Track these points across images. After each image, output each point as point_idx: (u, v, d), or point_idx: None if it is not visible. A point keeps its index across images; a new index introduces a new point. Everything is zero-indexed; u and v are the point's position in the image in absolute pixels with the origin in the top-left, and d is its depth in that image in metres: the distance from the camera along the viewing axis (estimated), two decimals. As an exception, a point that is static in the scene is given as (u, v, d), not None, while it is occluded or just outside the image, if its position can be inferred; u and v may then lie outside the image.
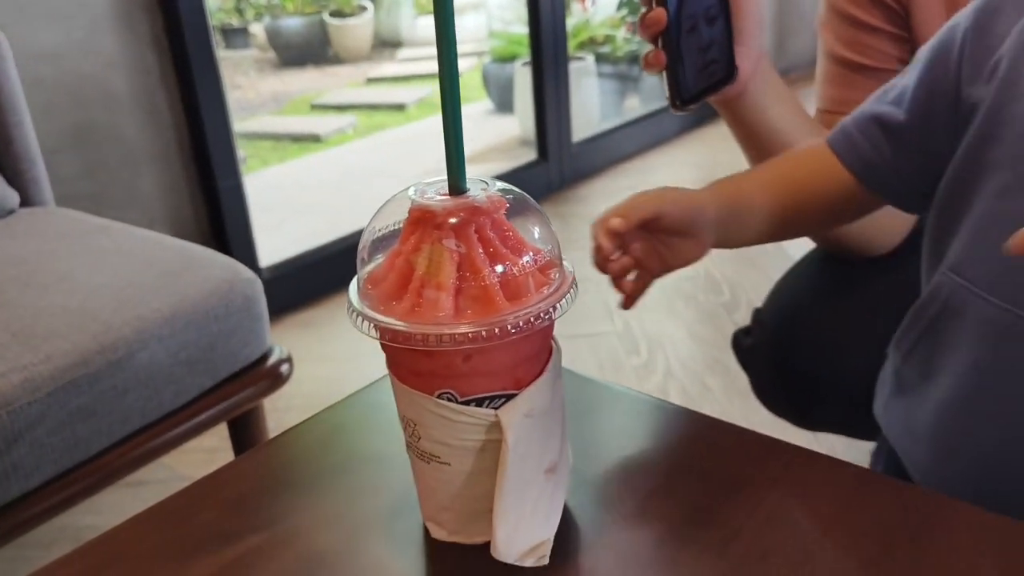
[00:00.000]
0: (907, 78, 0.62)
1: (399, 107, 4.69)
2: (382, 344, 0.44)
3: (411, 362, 0.44)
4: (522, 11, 2.56)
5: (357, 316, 0.43)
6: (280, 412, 1.53)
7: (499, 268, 0.42)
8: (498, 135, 3.83)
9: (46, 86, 1.55)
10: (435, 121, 4.44)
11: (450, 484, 0.46)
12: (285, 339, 1.83)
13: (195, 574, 0.47)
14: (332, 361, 1.78)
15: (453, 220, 0.43)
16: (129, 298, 0.95)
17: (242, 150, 4.12)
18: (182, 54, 1.69)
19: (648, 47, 0.70)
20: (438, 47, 0.43)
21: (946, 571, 0.44)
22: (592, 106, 3.23)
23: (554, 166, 2.60)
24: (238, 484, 0.54)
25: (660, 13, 0.68)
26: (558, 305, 0.43)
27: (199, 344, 0.99)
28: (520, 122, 3.53)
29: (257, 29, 6.16)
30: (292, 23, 5.87)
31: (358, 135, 4.33)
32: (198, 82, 1.71)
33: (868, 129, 0.63)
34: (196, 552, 0.48)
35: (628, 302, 0.61)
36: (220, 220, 1.82)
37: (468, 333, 0.41)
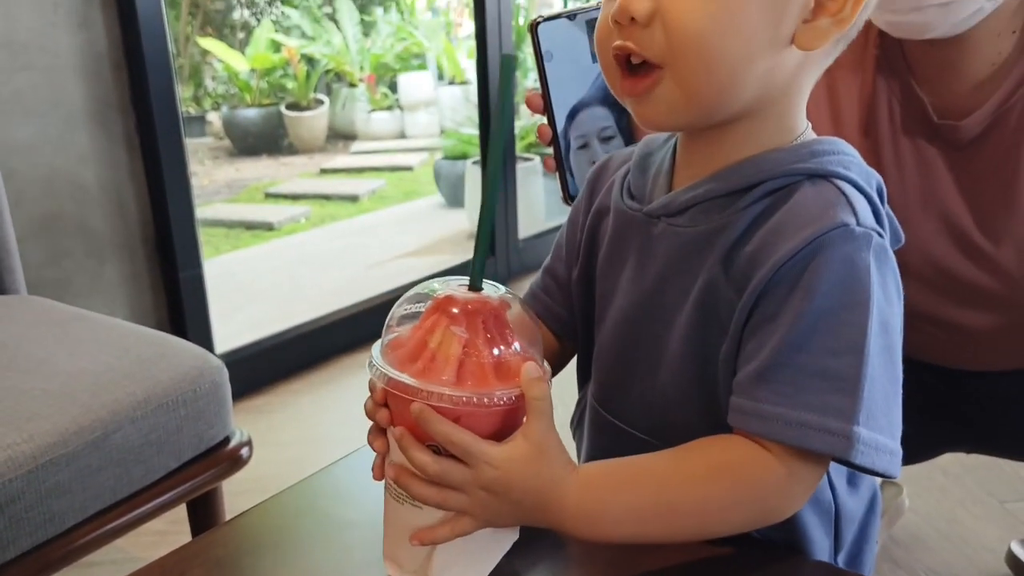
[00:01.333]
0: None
1: (352, 198, 4.83)
2: (388, 396, 0.54)
3: (410, 414, 0.53)
4: (473, 112, 2.73)
5: (377, 370, 0.54)
6: (235, 495, 1.58)
7: (495, 351, 0.54)
8: (448, 228, 3.98)
9: (18, 177, 1.63)
10: (386, 213, 4.59)
11: (416, 526, 0.55)
12: (239, 424, 1.88)
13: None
14: (284, 446, 1.84)
15: (466, 310, 0.54)
16: (107, 382, 1.02)
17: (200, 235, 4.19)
18: (152, 149, 1.79)
19: None
20: (483, 194, 0.57)
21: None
22: (538, 204, 3.40)
23: (501, 260, 2.73)
24: (225, 545, 0.63)
25: (545, 129, 0.82)
26: None
27: (167, 427, 1.06)
28: (469, 217, 3.68)
29: (214, 118, 6.30)
30: (249, 113, 6.03)
31: (311, 224, 4.44)
32: (166, 176, 1.80)
33: (545, 283, 0.75)
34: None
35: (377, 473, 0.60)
36: (180, 308, 1.89)
37: (463, 397, 0.52)
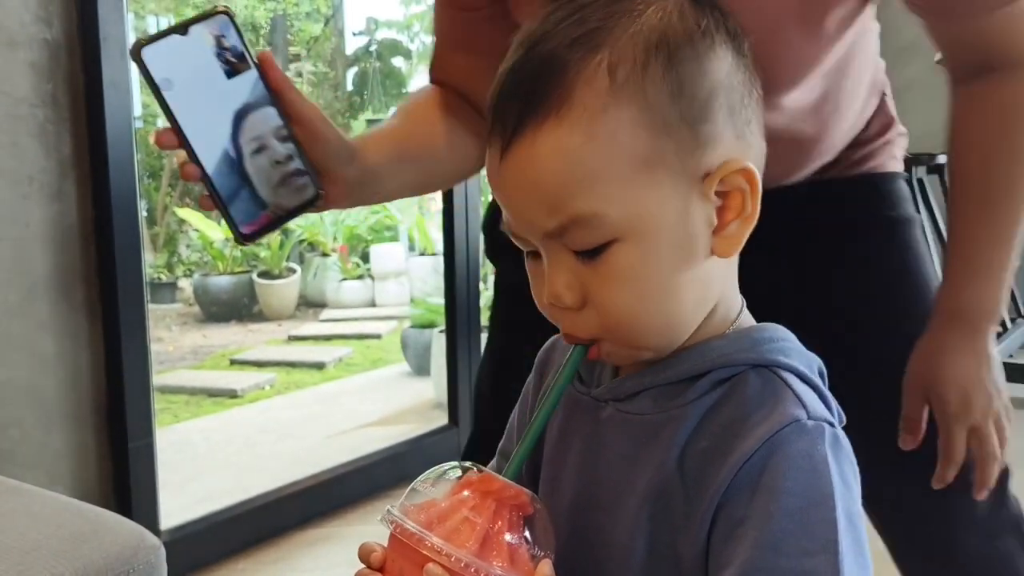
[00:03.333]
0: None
1: (318, 366, 4.81)
2: (398, 557, 0.54)
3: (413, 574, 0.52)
4: (441, 282, 2.78)
5: (398, 525, 0.54)
6: None
7: (515, 540, 0.54)
8: (413, 398, 3.95)
9: (-28, 346, 1.62)
10: (351, 381, 4.56)
11: None
12: (179, 606, 1.77)
13: None
14: (226, 630, 1.73)
15: (502, 494, 0.55)
16: (32, 562, 0.97)
17: (155, 405, 4.11)
18: (113, 318, 1.78)
19: None
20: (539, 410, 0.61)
21: None
22: (504, 373, 3.40)
23: (464, 431, 2.70)
24: None
25: (191, 169, 0.69)
26: None
27: (95, 611, 1.00)
28: (435, 385, 3.67)
29: (185, 284, 6.35)
30: (220, 281, 6.10)
31: (276, 392, 4.39)
32: (125, 345, 1.79)
33: (500, 466, 0.73)
34: None
35: None
36: (126, 480, 1.83)
37: (486, 569, 0.52)
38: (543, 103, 0.55)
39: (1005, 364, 3.31)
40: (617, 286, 0.56)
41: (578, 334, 0.58)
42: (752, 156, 0.58)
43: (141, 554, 1.05)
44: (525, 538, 0.55)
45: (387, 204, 6.61)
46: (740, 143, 0.58)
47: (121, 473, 1.83)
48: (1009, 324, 3.67)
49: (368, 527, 2.17)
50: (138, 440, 1.83)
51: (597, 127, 0.54)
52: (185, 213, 6.11)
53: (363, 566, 0.57)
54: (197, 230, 6.12)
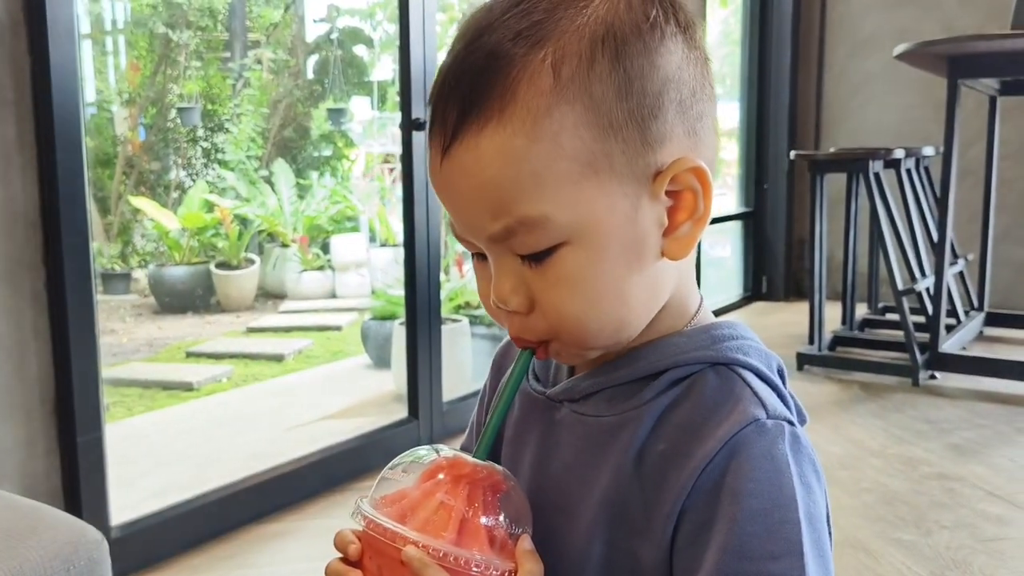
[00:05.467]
0: None
1: (277, 358, 4.74)
2: (371, 551, 0.53)
3: (392, 571, 0.51)
4: (402, 274, 2.74)
5: (370, 520, 0.53)
6: None
7: (491, 522, 0.54)
8: (374, 390, 3.92)
9: (-88, 337, 1.56)
10: (311, 374, 4.51)
11: None
12: (129, 603, 1.73)
13: None
14: (178, 628, 1.69)
15: (474, 477, 0.54)
16: (-34, 562, 0.93)
17: (107, 398, 4.02)
18: (60, 308, 1.73)
19: None
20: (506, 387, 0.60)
21: None
22: (465, 365, 3.38)
23: (424, 423, 2.67)
24: None
25: None
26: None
27: (35, 611, 0.96)
28: (395, 378, 3.63)
29: (140, 275, 6.23)
30: (177, 271, 5.99)
31: (232, 385, 4.32)
32: (72, 335, 1.74)
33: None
34: None
35: None
36: (75, 475, 1.78)
37: (465, 558, 0.51)
38: (486, 103, 0.52)
39: (959, 357, 3.38)
40: (564, 290, 0.54)
41: (526, 337, 0.57)
42: (704, 153, 0.56)
43: (82, 550, 1.01)
44: (502, 517, 0.54)
45: (347, 194, 6.55)
46: (691, 140, 0.55)
47: (70, 468, 1.78)
48: (963, 316, 3.74)
49: (327, 521, 2.14)
50: (87, 434, 1.78)
51: (541, 130, 0.52)
52: (140, 202, 5.98)
53: (337, 555, 0.55)
54: (152, 219, 6.00)
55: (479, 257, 0.58)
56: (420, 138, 2.55)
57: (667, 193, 0.55)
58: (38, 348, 1.74)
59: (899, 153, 3.50)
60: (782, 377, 0.59)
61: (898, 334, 3.43)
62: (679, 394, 0.56)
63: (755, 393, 0.55)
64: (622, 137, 0.53)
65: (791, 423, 0.55)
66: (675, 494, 0.54)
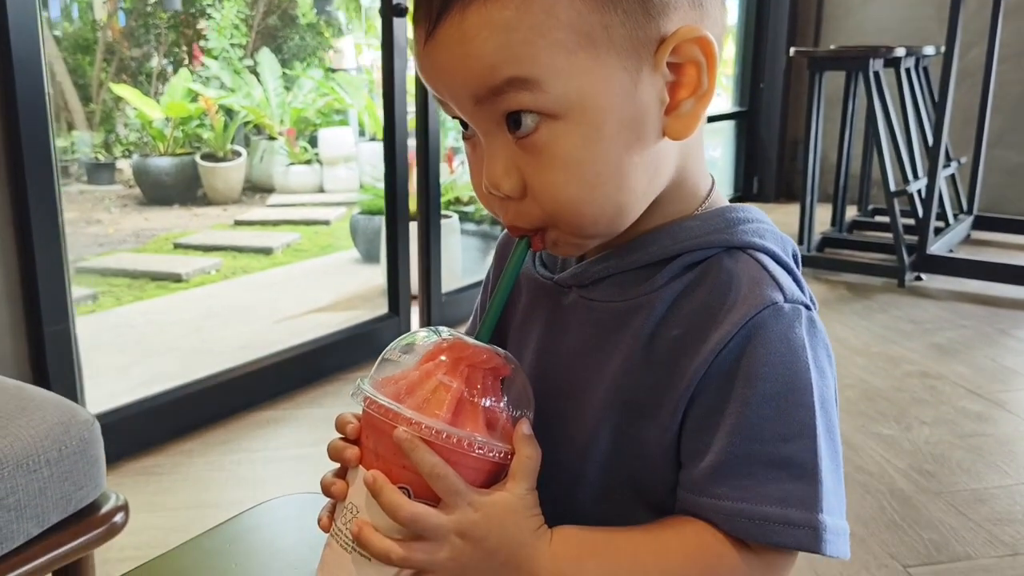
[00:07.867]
0: None
1: (266, 251, 4.72)
2: (369, 430, 0.52)
3: (388, 449, 0.51)
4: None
5: (368, 397, 0.52)
6: (111, 563, 1.47)
7: (490, 404, 0.53)
8: (363, 284, 3.92)
9: None
10: (300, 267, 4.50)
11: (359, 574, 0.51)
12: (120, 487, 1.76)
13: None
14: (172, 511, 1.73)
15: (474, 359, 0.53)
16: (-43, 440, 0.93)
17: (95, 287, 4.01)
18: (21, 193, 1.67)
19: None
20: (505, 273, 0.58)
21: None
22: (456, 261, 3.37)
23: (423, 314, 2.67)
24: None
25: None
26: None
27: (28, 489, 0.97)
28: (384, 272, 3.63)
29: (125, 165, 6.12)
30: (162, 162, 5.89)
31: (221, 277, 4.31)
32: (34, 226, 1.68)
33: None
34: None
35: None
36: (43, 366, 1.75)
37: (456, 437, 0.50)
38: None
39: (946, 259, 3.41)
40: (559, 173, 0.51)
41: (521, 224, 0.54)
42: (710, 27, 0.52)
43: (73, 430, 1.02)
44: (503, 401, 0.53)
45: (336, 86, 6.39)
46: (697, 12, 0.52)
47: (39, 358, 1.75)
48: (952, 220, 3.74)
49: (317, 410, 2.17)
50: (54, 325, 1.74)
51: (531, 2, 0.48)
52: (122, 90, 5.82)
53: (338, 436, 0.55)
54: (135, 108, 5.85)
55: (472, 141, 0.55)
56: (401, 24, 2.44)
57: (669, 66, 0.51)
58: (1, 239, 1.68)
59: (900, 51, 3.42)
60: (797, 262, 0.58)
61: (886, 236, 3.43)
62: (693, 279, 0.55)
63: (772, 276, 0.54)
64: (622, 8, 0.49)
65: (807, 307, 0.54)
66: (688, 378, 0.53)
